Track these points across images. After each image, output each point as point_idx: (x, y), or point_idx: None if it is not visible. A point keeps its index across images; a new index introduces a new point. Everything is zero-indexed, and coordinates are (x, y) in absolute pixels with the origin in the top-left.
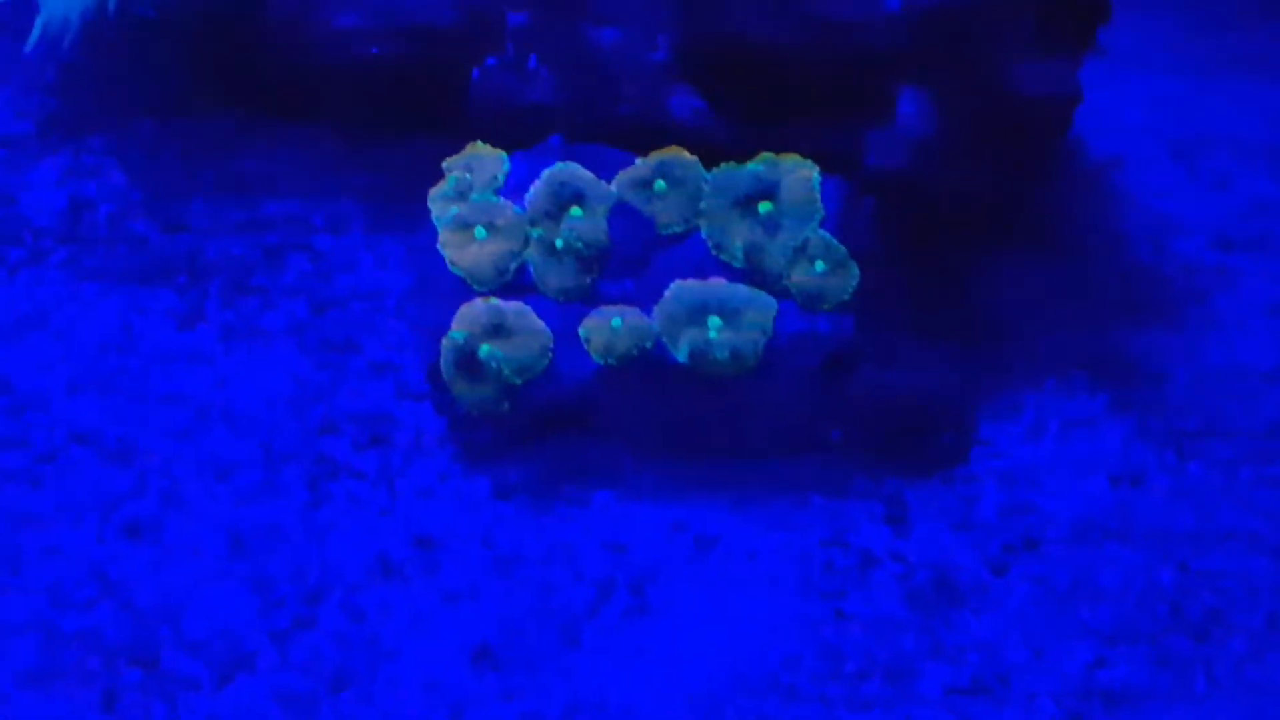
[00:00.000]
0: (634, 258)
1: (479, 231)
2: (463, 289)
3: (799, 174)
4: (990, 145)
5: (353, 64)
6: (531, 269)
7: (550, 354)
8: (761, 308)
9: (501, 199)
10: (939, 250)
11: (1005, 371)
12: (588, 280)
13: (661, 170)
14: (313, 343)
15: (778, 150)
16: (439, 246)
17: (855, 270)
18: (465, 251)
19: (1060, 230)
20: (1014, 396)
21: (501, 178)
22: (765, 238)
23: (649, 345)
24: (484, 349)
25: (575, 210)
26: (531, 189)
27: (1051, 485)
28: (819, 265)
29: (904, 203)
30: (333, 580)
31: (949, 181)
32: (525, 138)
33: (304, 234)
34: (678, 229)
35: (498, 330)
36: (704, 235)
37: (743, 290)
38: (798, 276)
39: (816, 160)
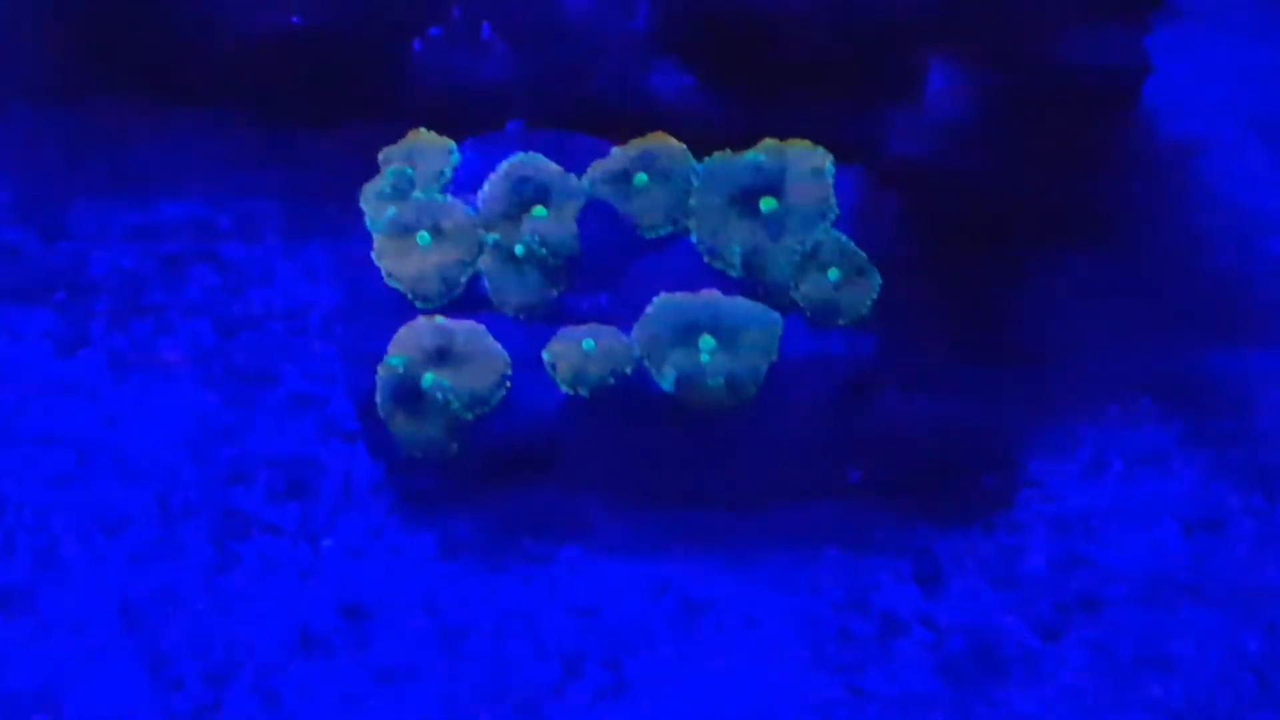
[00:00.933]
0: (610, 266)
1: (422, 236)
2: (402, 306)
3: (808, 164)
4: (1038, 127)
5: (268, 36)
6: (486, 281)
7: (508, 384)
8: (764, 325)
9: (449, 197)
10: (977, 254)
11: (1058, 398)
12: (554, 294)
13: (643, 161)
14: (219, 373)
15: (782, 135)
16: (374, 255)
17: (876, 278)
18: (405, 261)
19: (1125, 228)
20: (1068, 428)
21: (449, 172)
22: (768, 241)
23: (628, 371)
24: (428, 378)
25: (539, 210)
26: (486, 185)
27: (1113, 534)
28: (833, 273)
29: (935, 197)
30: (242, 658)
31: (989, 171)
32: (477, 123)
33: (209, 240)
34: (662, 231)
35: (445, 356)
36: (694, 239)
37: (741, 304)
38: (808, 287)
39: (829, 147)
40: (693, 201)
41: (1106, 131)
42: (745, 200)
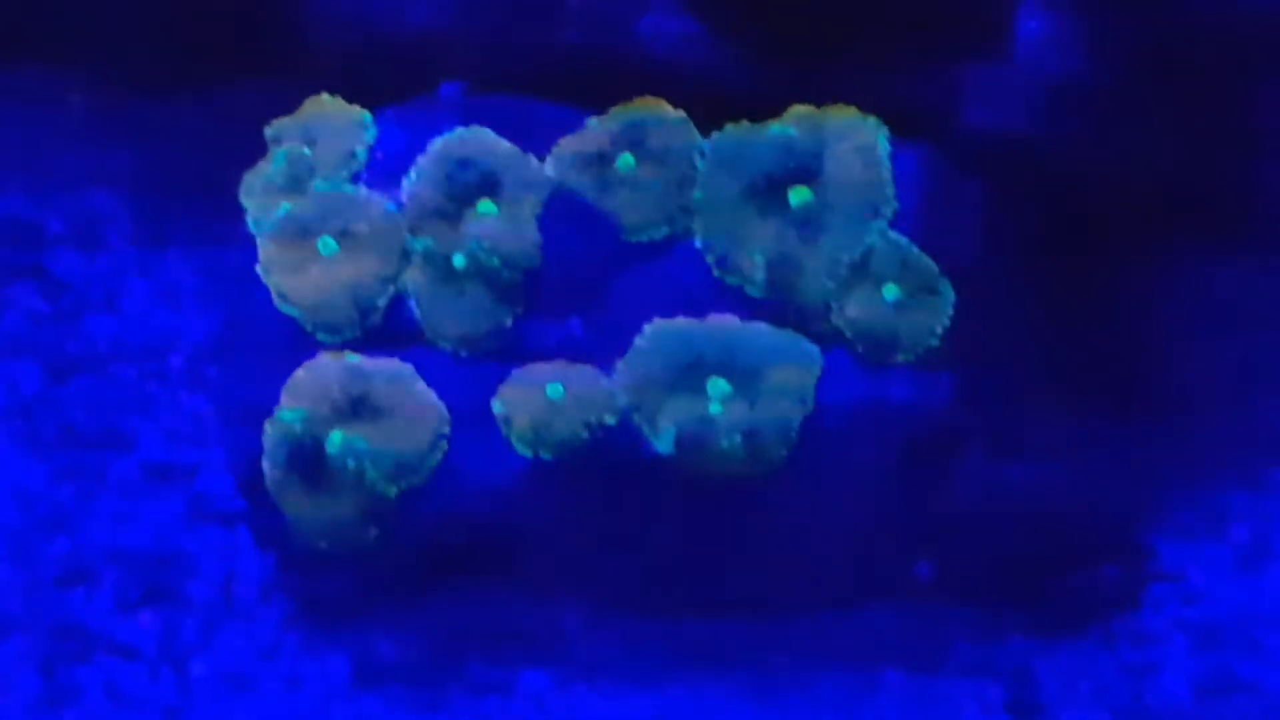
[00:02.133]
0: (583, 282)
1: (325, 243)
2: (299, 339)
3: (856, 140)
4: (1166, 93)
5: None
6: (414, 304)
7: (445, 445)
8: (796, 362)
9: (362, 188)
10: (1087, 263)
11: (1201, 458)
12: (507, 320)
13: (629, 136)
14: (48, 431)
15: (819, 101)
16: (258, 268)
17: (950, 297)
18: (303, 276)
19: None
20: (1216, 498)
21: (362, 152)
22: (801, 246)
23: (609, 423)
24: (335, 439)
25: (486, 204)
26: (413, 170)
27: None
28: (890, 290)
29: (1028, 186)
30: None
31: (1101, 150)
32: (399, 85)
33: (31, 248)
34: (657, 233)
35: (359, 407)
36: (699, 243)
37: (765, 334)
38: (856, 310)
39: (883, 116)
40: (698, 192)
41: (1260, 96)
42: (769, 190)
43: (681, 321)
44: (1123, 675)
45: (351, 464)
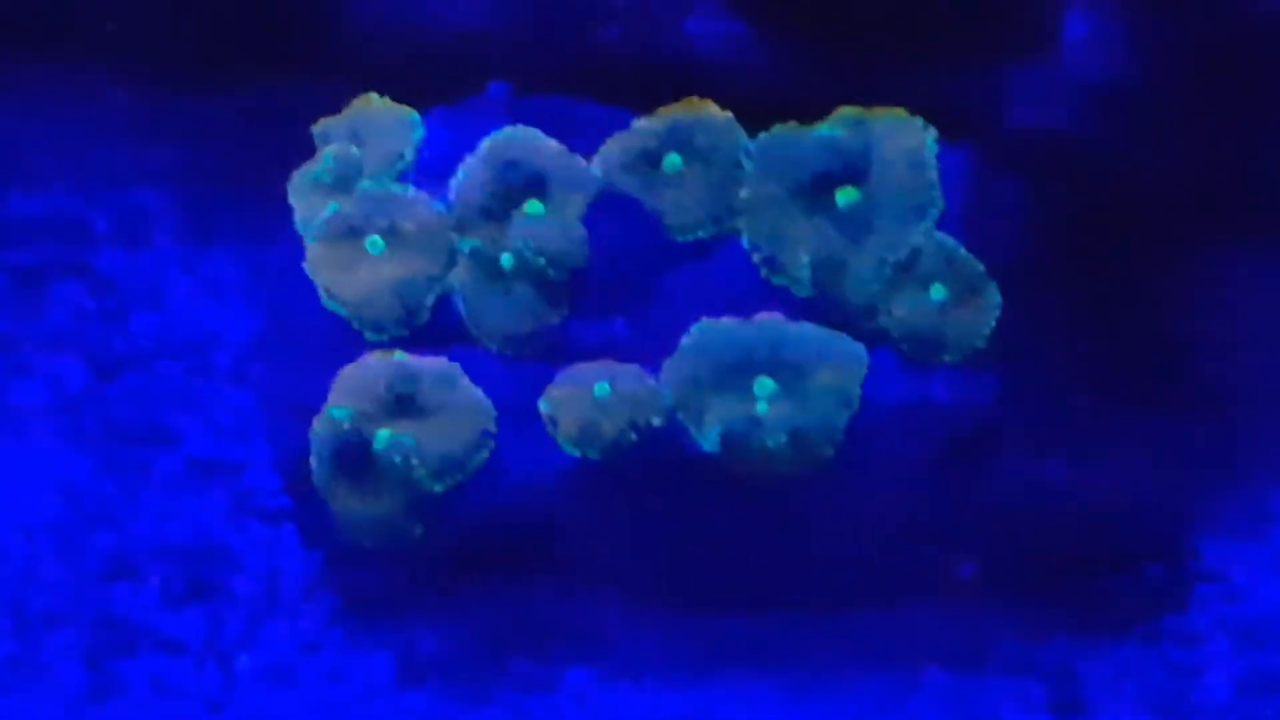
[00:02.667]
0: (630, 282)
1: (373, 242)
2: (346, 337)
3: (903, 141)
4: (1209, 95)
5: None
6: (461, 303)
7: (492, 443)
8: (843, 362)
9: (410, 187)
10: (1133, 262)
11: (1247, 458)
12: (553, 320)
13: (675, 136)
14: (93, 427)
15: (866, 102)
16: (306, 267)
17: (996, 297)
18: (351, 275)
19: None
20: (1260, 497)
21: (410, 152)
22: (847, 246)
23: (656, 424)
24: (383, 436)
25: (533, 204)
26: (460, 170)
27: None
28: (937, 290)
29: (1074, 185)
30: None
31: (1149, 149)
32: (448, 85)
33: (78, 247)
34: (702, 233)
35: (405, 405)
36: (746, 243)
37: (811, 334)
38: (903, 310)
39: (930, 117)
40: (744, 193)
41: None
42: (816, 191)
43: (728, 321)
44: (1166, 674)
45: (398, 461)
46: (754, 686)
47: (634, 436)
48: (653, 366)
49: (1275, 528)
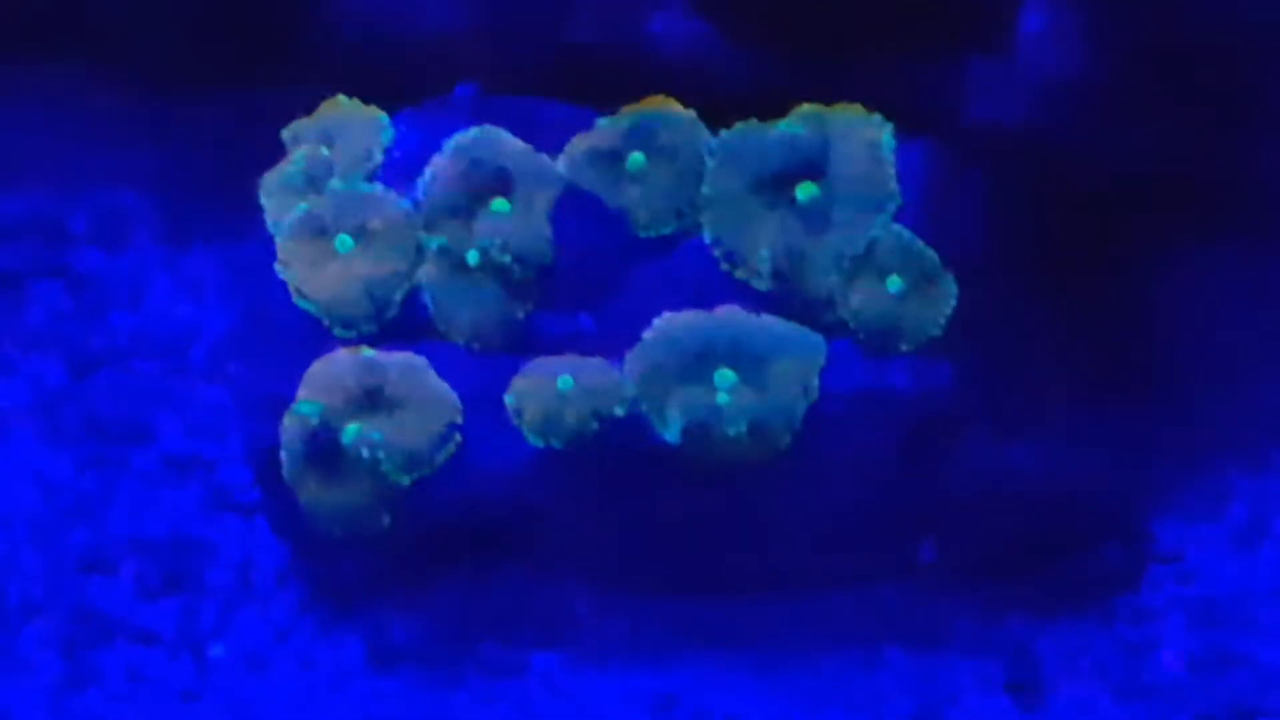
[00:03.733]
0: (594, 277)
1: (342, 240)
2: (317, 333)
3: (860, 136)
4: (1169, 82)
5: None
6: (428, 299)
7: (458, 436)
8: (801, 353)
9: (379, 186)
10: (1089, 252)
11: (1200, 441)
12: (519, 314)
13: (638, 135)
14: (71, 424)
15: (826, 99)
16: (277, 265)
17: (952, 287)
18: (320, 273)
19: None
20: (1213, 481)
21: (379, 153)
22: (806, 239)
23: (618, 414)
24: (351, 430)
25: (499, 202)
26: (428, 170)
27: (1276, 623)
28: (893, 282)
29: (1030, 177)
30: None
31: (1103, 142)
32: (416, 87)
33: (57, 247)
34: (665, 229)
35: (373, 399)
36: (708, 238)
37: (771, 325)
38: (860, 301)
39: (888, 113)
40: (706, 189)
41: (1263, 85)
42: (776, 186)
43: (690, 314)
44: (1121, 652)
45: (366, 454)
46: (719, 668)
47: (596, 427)
48: (617, 359)
49: (1229, 509)
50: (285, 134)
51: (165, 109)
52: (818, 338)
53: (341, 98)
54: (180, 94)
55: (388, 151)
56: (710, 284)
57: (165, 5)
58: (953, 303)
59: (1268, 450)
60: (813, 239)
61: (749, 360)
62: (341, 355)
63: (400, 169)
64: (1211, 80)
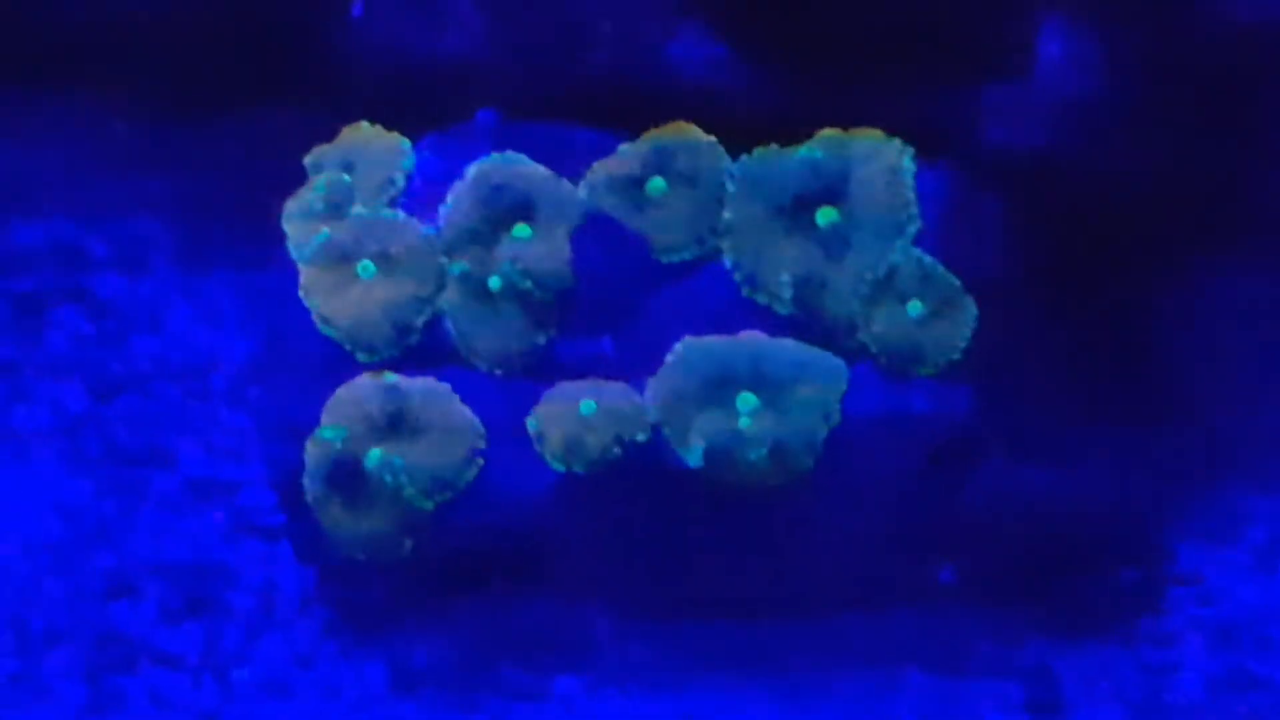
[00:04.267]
0: (616, 302)
1: (365, 266)
2: (339, 359)
3: (880, 161)
4: (1185, 106)
5: None
6: (451, 325)
7: (480, 460)
8: (823, 377)
9: (400, 214)
10: (1107, 275)
11: (1218, 461)
12: (541, 340)
13: (659, 160)
14: (92, 449)
15: (845, 124)
16: (300, 292)
17: (972, 311)
18: (343, 298)
19: None
20: (1232, 501)
21: (400, 179)
22: (827, 264)
23: (640, 439)
24: (374, 455)
25: (521, 228)
26: (450, 196)
27: None
28: (914, 306)
29: (1049, 201)
30: None
31: (1121, 164)
32: (438, 113)
33: (77, 272)
34: (687, 254)
35: (396, 425)
36: (729, 263)
37: (792, 349)
38: (881, 325)
39: (907, 138)
40: (727, 214)
41: (1272, 111)
42: (797, 211)
43: (711, 339)
44: (1140, 674)
45: (389, 479)
46: (739, 691)
47: (618, 452)
48: (639, 384)
49: (1248, 531)
50: (307, 160)
51: (185, 136)
52: (839, 362)
53: (363, 124)
54: (200, 121)
55: (409, 177)
56: (731, 308)
57: (185, 34)
58: (972, 326)
59: None
60: (833, 264)
61: (770, 384)
62: (364, 381)
63: (422, 195)
64: (1228, 104)
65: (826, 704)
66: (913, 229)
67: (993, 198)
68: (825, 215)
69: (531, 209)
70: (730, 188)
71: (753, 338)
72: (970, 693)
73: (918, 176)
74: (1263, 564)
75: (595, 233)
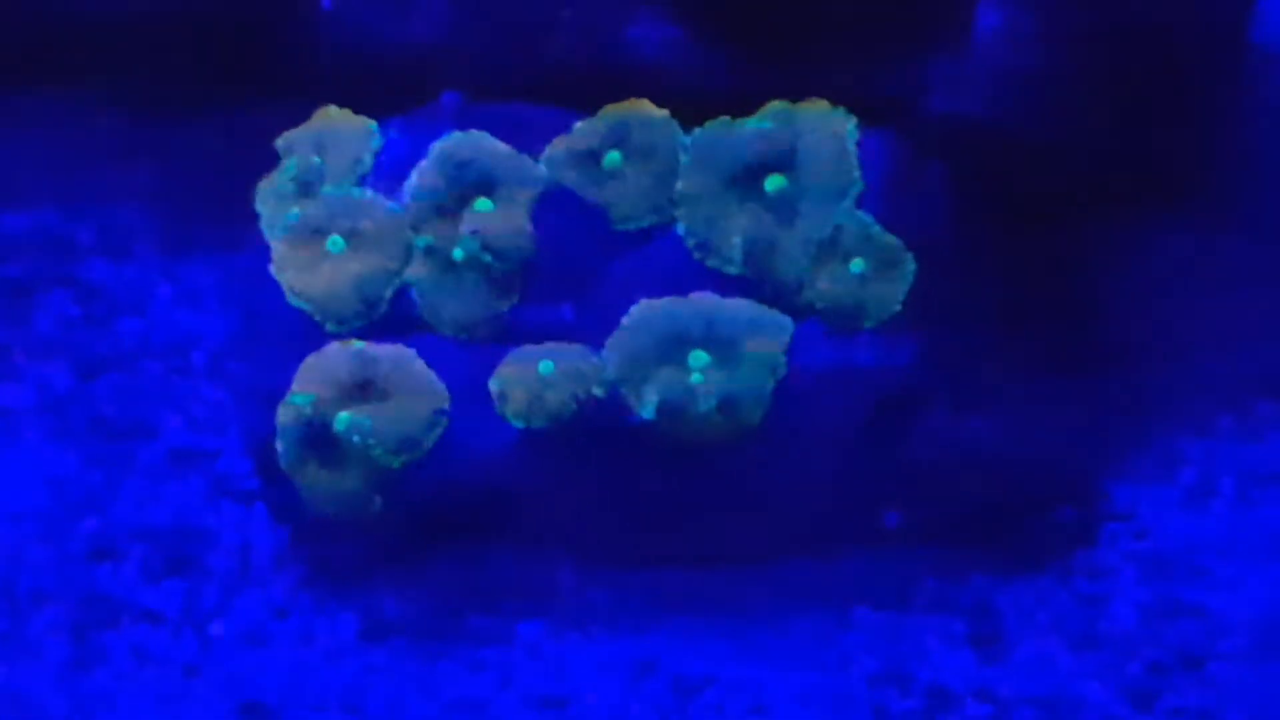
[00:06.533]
0: (574, 270)
1: (334, 241)
2: (311, 330)
3: (826, 130)
4: (1119, 73)
5: None
6: (416, 294)
7: (445, 420)
8: (770, 332)
9: (368, 191)
10: (1042, 234)
11: (1151, 407)
12: (503, 306)
13: (615, 135)
14: (79, 424)
15: (793, 96)
16: (273, 268)
17: (911, 267)
18: (313, 273)
19: (1231, 197)
20: (1165, 444)
21: (368, 159)
22: (776, 228)
23: (598, 394)
24: (343, 419)
25: (483, 202)
26: (415, 173)
27: (1224, 574)
28: (857, 264)
29: (986, 165)
30: None
31: (1055, 131)
32: (403, 95)
33: (64, 258)
34: (642, 223)
35: (364, 389)
36: (682, 230)
37: (742, 308)
38: (826, 283)
39: (851, 108)
40: (680, 184)
41: (1205, 78)
42: (747, 180)
43: (667, 301)
44: (1077, 605)
45: (357, 440)
46: (695, 634)
47: (575, 407)
48: (597, 347)
49: (1183, 469)
50: (278, 143)
51: (163, 128)
52: (785, 318)
53: (332, 108)
54: (177, 113)
55: (377, 157)
56: (685, 273)
57: (164, 29)
58: (911, 282)
59: (1215, 416)
60: (782, 227)
61: (721, 341)
62: (334, 348)
63: (389, 174)
64: (1160, 69)
65: (781, 643)
66: (855, 190)
67: (934, 162)
68: (775, 182)
69: (493, 183)
70: (683, 159)
71: (705, 299)
72: (916, 628)
73: (862, 144)
74: (1192, 501)
75: (555, 204)
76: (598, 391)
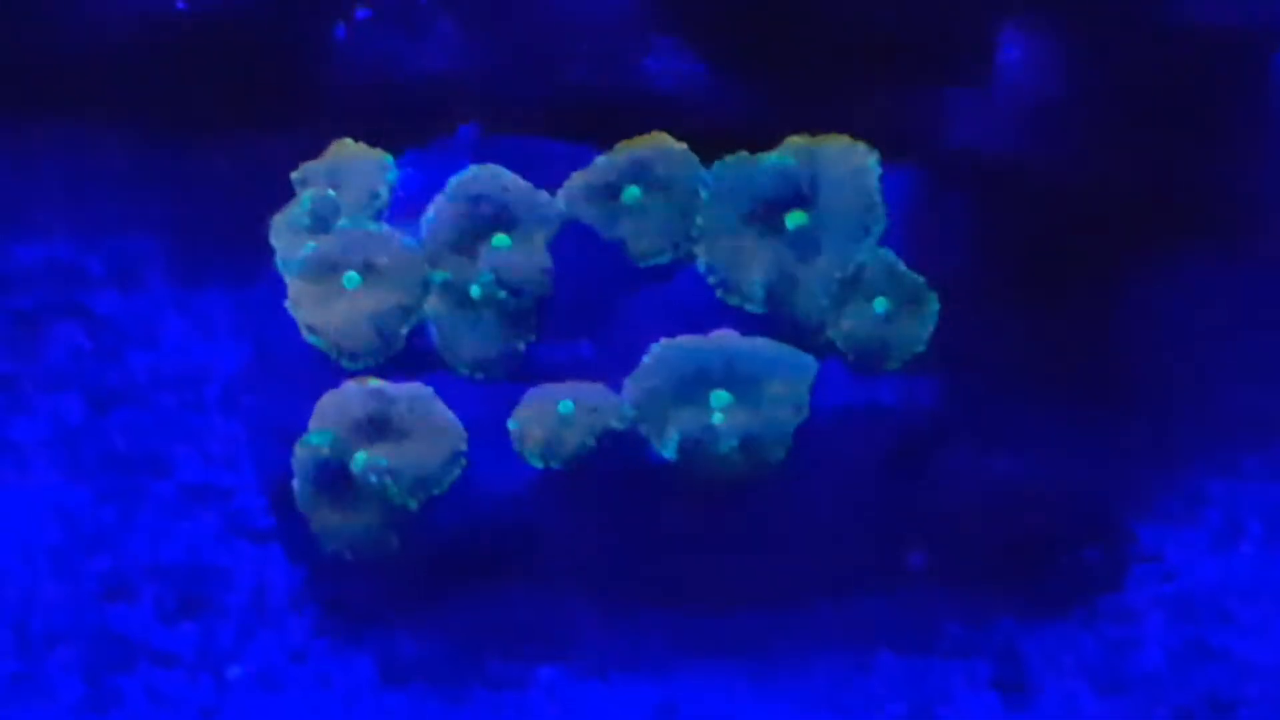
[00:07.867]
0: (593, 307)
1: (350, 277)
2: (326, 367)
3: (847, 164)
4: (1145, 108)
5: (146, 26)
6: (434, 331)
7: (463, 461)
8: (792, 372)
9: (385, 225)
10: (1067, 270)
11: (1177, 447)
12: (520, 345)
13: (634, 170)
14: (90, 460)
15: (813, 130)
16: (288, 303)
17: (935, 307)
18: (329, 309)
19: (1259, 232)
20: (1192, 485)
21: (384, 193)
22: (798, 265)
23: (619, 428)
24: (360, 458)
25: (500, 238)
26: (431, 208)
27: (1252, 619)
28: (880, 303)
29: (1010, 200)
30: None
31: (1079, 165)
32: (420, 129)
33: (75, 289)
34: (662, 259)
35: (382, 428)
36: (702, 267)
37: (764, 347)
38: (849, 322)
39: (873, 142)
40: (700, 220)
41: (1232, 110)
42: (767, 215)
43: (687, 339)
44: (1103, 650)
45: (374, 480)
46: (716, 677)
47: (593, 446)
48: (616, 385)
49: (1209, 511)
50: (294, 176)
51: (176, 157)
52: (808, 358)
53: (348, 140)
54: (190, 143)
55: (393, 191)
56: (706, 310)
57: (177, 59)
58: (935, 322)
59: (1240, 457)
60: (804, 265)
61: (744, 381)
62: (350, 386)
63: (406, 208)
64: (1184, 102)
65: (803, 686)
66: (879, 229)
67: (957, 196)
68: (796, 219)
69: (510, 218)
70: (703, 194)
71: (725, 337)
72: (940, 673)
73: (884, 179)
74: (1220, 543)
75: (573, 240)
76: (616, 425)
